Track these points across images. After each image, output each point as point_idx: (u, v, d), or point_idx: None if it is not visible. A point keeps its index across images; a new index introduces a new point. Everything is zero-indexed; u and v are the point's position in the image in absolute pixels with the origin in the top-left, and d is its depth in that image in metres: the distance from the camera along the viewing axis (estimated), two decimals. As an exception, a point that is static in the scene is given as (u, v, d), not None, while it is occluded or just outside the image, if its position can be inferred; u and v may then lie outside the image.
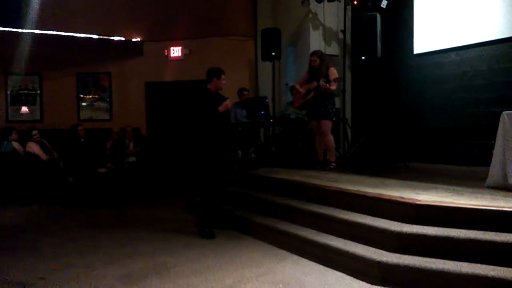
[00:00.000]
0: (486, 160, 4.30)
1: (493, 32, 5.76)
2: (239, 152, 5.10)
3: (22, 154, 6.99)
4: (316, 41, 7.44)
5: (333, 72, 5.66)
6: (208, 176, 4.71)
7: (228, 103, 4.75)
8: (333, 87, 5.64)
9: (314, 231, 3.98)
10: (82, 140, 7.13)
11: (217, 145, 4.71)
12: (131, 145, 7.72)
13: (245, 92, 7.52)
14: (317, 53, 5.83)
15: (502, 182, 3.97)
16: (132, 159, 7.58)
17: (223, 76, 4.82)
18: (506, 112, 4.00)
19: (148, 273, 3.54)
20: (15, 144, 7.02)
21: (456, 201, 3.45)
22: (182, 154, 7.08)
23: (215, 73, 4.81)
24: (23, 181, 6.72)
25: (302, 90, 5.89)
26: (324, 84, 5.53)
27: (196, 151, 4.83)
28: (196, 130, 4.77)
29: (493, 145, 4.09)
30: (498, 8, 5.68)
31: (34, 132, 7.15)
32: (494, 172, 4.06)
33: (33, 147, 7.00)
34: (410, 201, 3.51)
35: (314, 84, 5.69)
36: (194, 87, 4.94)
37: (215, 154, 4.70)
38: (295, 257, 3.87)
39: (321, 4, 7.22)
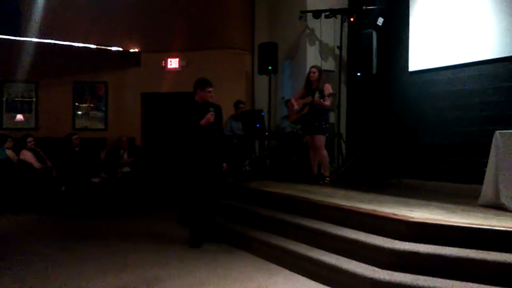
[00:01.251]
0: (478, 178, 4.33)
1: (487, 51, 5.83)
2: (224, 164, 4.92)
3: (16, 162, 6.95)
4: (312, 56, 7.50)
5: (328, 88, 5.74)
6: (193, 187, 4.70)
7: (209, 116, 4.64)
8: (327, 102, 5.71)
9: (307, 246, 3.97)
10: (77, 149, 7.11)
11: (198, 157, 4.66)
12: (126, 155, 7.70)
13: (242, 105, 7.55)
14: (317, 67, 6.00)
15: (494, 201, 4.00)
16: (126, 169, 7.56)
17: (208, 88, 4.73)
18: (499, 131, 4.04)
19: (139, 286, 3.51)
20: (9, 152, 6.98)
21: (448, 219, 3.46)
22: (172, 165, 7.09)
23: (199, 84, 4.76)
24: (16, 190, 6.67)
25: (296, 106, 5.94)
26: (319, 99, 5.60)
27: (180, 162, 4.83)
28: (179, 142, 4.76)
29: (486, 163, 4.12)
30: (494, 28, 5.77)
31: (30, 139, 7.12)
32: (486, 190, 4.08)
33: (27, 155, 6.97)
34: (403, 218, 3.52)
35: (309, 99, 5.74)
36: (182, 99, 4.90)
37: (196, 166, 4.67)
38: (288, 272, 3.85)
39: (318, 20, 7.30)
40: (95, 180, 7.00)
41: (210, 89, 4.76)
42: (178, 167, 5.29)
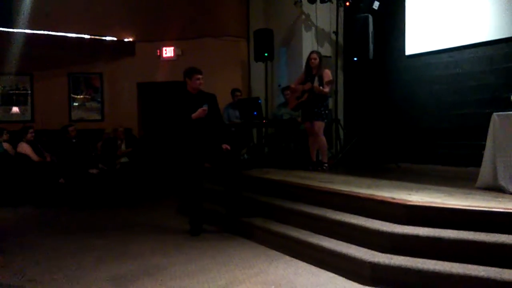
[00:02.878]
0: (476, 160, 4.34)
1: (484, 34, 5.81)
2: (224, 146, 4.73)
3: (13, 155, 6.93)
4: (308, 42, 7.46)
5: (328, 74, 5.71)
6: (188, 177, 4.70)
7: (201, 111, 4.56)
8: (327, 89, 5.68)
9: (307, 232, 3.98)
10: (74, 140, 7.08)
11: (190, 148, 4.64)
12: (123, 146, 7.69)
13: (238, 93, 7.52)
14: (318, 52, 5.93)
15: (492, 183, 4.00)
16: (124, 159, 7.55)
17: (196, 76, 4.62)
18: (497, 113, 4.03)
19: (140, 275, 3.52)
20: (6, 145, 6.95)
21: (447, 202, 3.47)
22: (167, 155, 7.09)
23: (187, 73, 4.67)
24: (14, 182, 6.65)
25: (296, 87, 5.90)
26: (318, 86, 5.57)
27: (173, 152, 4.80)
28: (169, 133, 4.72)
29: (484, 146, 4.12)
30: (490, 10, 5.74)
31: (31, 130, 7.07)
32: (484, 173, 4.09)
33: (25, 148, 6.93)
34: (401, 201, 3.53)
35: (308, 85, 5.71)
36: (178, 88, 4.83)
37: (189, 156, 4.65)
38: (288, 258, 3.87)
39: (314, 5, 7.24)
40: (93, 171, 6.99)
41: (199, 76, 4.64)
42: (172, 157, 5.27)
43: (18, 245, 4.46)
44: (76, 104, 8.82)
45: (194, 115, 4.58)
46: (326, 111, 5.86)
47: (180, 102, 4.69)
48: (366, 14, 6.72)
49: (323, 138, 5.84)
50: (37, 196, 6.63)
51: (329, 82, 5.67)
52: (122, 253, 4.10)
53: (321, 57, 5.82)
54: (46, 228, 5.21)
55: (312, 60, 5.75)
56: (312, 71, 5.76)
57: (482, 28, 5.82)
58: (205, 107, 4.60)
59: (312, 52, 5.92)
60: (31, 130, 7.08)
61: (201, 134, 4.67)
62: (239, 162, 5.24)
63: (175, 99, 4.77)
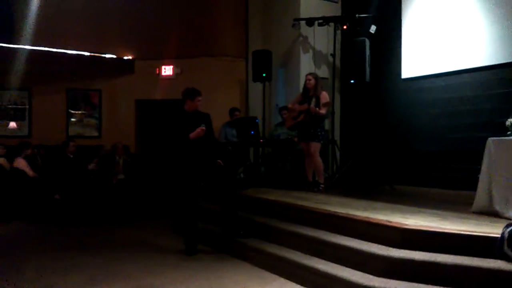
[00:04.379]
0: (471, 184, 4.36)
1: (479, 59, 5.90)
2: (219, 161, 4.84)
3: (8, 170, 6.89)
4: (306, 64, 7.55)
5: (325, 96, 5.77)
6: (184, 196, 4.71)
7: (199, 130, 4.62)
8: (323, 111, 5.73)
9: (302, 253, 3.96)
10: (71, 156, 7.06)
11: (187, 167, 4.66)
12: (121, 162, 7.67)
13: (237, 113, 7.56)
14: (313, 74, 6.00)
15: (487, 208, 4.02)
16: (121, 176, 7.52)
17: (197, 98, 4.74)
18: (492, 138, 4.07)
19: (133, 295, 3.49)
20: (1, 160, 6.92)
21: (442, 226, 3.47)
22: (164, 173, 7.09)
23: (189, 94, 4.75)
24: (8, 197, 6.60)
25: (293, 107, 5.95)
26: (314, 107, 5.62)
27: (170, 171, 4.81)
28: (167, 152, 4.75)
29: (479, 169, 4.15)
30: (485, 36, 5.84)
31: (29, 150, 7.05)
32: (480, 197, 4.10)
33: (21, 163, 6.90)
34: (397, 225, 3.53)
35: (305, 106, 5.77)
36: (176, 106, 4.88)
37: (185, 175, 4.67)
38: (282, 280, 3.84)
39: (312, 28, 7.35)
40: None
41: (200, 98, 4.78)
42: (168, 176, 5.27)
43: (11, 261, 4.41)
44: (74, 120, 8.82)
45: (192, 135, 4.62)
46: (322, 132, 5.90)
47: (179, 121, 4.73)
48: (363, 38, 6.82)
49: (319, 159, 5.86)
50: (31, 211, 6.58)
51: (326, 104, 5.73)
52: (115, 273, 4.05)
53: (317, 78, 5.89)
54: (38, 245, 5.15)
55: (308, 81, 5.83)
56: (309, 92, 5.83)
57: (477, 53, 5.91)
58: (203, 127, 4.65)
59: (307, 74, 6.00)
60: (31, 146, 7.08)
61: (197, 153, 4.70)
62: (233, 181, 5.24)
63: (173, 118, 4.81)
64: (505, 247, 1.57)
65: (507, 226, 1.40)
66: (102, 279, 3.87)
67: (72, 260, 4.46)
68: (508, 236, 1.58)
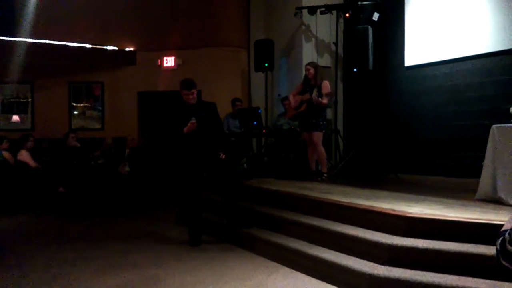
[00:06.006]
0: (475, 172, 4.35)
1: (483, 45, 5.84)
2: (222, 155, 4.73)
3: (12, 163, 6.92)
4: (308, 53, 7.50)
5: (326, 86, 5.72)
6: (186, 186, 4.72)
7: (190, 125, 4.54)
8: (325, 101, 5.69)
9: (306, 243, 3.97)
10: (73, 147, 7.08)
11: (188, 158, 4.66)
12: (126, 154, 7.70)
13: (238, 103, 7.54)
14: (313, 64, 5.95)
15: (491, 195, 4.01)
16: (127, 168, 7.55)
17: (183, 91, 4.58)
18: (496, 125, 4.05)
19: (138, 286, 3.51)
20: (5, 154, 6.95)
21: (447, 214, 3.47)
22: (166, 165, 7.11)
23: (180, 86, 4.64)
24: (13, 191, 6.64)
25: (293, 103, 5.94)
26: (316, 97, 5.58)
27: (171, 162, 4.82)
28: (167, 144, 4.75)
29: (483, 157, 4.13)
30: (489, 22, 5.77)
31: (31, 138, 7.08)
32: (484, 185, 4.09)
33: (24, 155, 6.93)
34: (401, 213, 3.53)
35: (307, 96, 5.74)
36: (178, 97, 4.84)
37: (186, 166, 4.68)
38: (287, 269, 3.85)
39: (314, 16, 7.28)
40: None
41: (185, 92, 4.59)
42: (171, 166, 5.28)
43: (17, 253, 4.45)
44: (76, 112, 8.84)
45: (185, 130, 4.58)
46: (324, 122, 5.88)
47: (177, 113, 4.70)
48: (365, 26, 6.76)
49: (322, 149, 5.85)
50: (36, 204, 6.62)
51: (328, 94, 5.69)
52: (121, 264, 4.08)
53: (316, 67, 5.83)
54: (45, 237, 5.19)
55: (307, 72, 5.80)
56: (310, 81, 5.79)
57: (481, 40, 5.85)
58: (193, 120, 4.56)
59: (306, 64, 5.95)
60: (31, 138, 7.09)
61: (200, 144, 4.68)
62: (235, 172, 5.23)
63: (172, 111, 4.79)
64: (501, 260, 1.54)
65: (498, 237, 1.40)
66: (108, 270, 3.90)
67: (78, 252, 4.50)
68: (500, 248, 1.56)
